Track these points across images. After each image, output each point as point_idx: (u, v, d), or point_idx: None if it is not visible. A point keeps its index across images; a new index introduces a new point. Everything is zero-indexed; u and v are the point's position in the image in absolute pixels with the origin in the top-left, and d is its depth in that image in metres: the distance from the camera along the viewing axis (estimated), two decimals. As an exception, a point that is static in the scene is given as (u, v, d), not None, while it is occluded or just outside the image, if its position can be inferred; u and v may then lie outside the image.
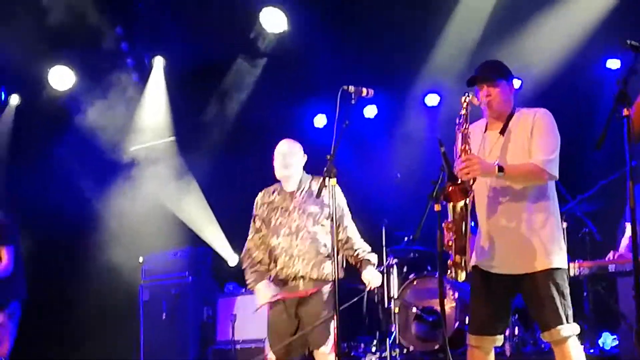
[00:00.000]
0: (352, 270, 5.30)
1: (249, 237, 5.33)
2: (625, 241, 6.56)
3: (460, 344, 6.82)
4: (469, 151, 4.17)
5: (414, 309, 7.47)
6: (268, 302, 5.13)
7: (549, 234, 4.23)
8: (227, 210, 9.13)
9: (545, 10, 8.04)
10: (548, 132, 4.23)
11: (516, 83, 6.57)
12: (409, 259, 8.13)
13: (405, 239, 8.10)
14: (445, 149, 4.12)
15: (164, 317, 8.56)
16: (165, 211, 9.61)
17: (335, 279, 4.52)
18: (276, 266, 5.14)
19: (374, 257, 5.22)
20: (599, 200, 7.07)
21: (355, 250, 5.18)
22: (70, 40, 8.70)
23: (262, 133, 8.62)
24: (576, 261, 6.50)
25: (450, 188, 4.12)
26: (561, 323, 4.11)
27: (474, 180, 4.15)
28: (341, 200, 5.13)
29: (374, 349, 7.86)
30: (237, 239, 5.55)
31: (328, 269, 5.04)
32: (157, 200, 9.50)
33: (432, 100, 9.37)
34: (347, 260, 5.28)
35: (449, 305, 7.32)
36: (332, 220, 4.97)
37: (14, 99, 10.03)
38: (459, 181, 4.10)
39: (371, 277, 5.13)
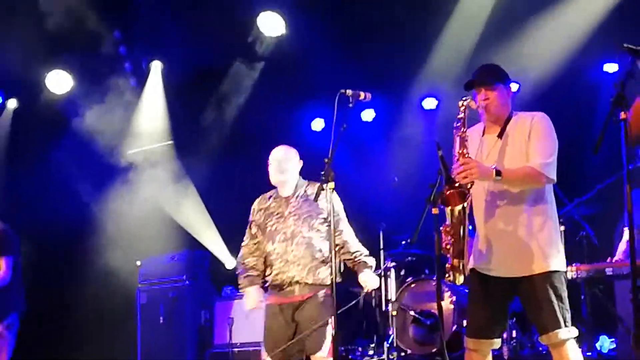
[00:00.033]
0: (350, 274, 5.30)
1: (244, 242, 5.35)
2: (622, 246, 6.57)
3: (457, 347, 6.81)
4: (466, 155, 4.17)
5: (412, 312, 7.48)
6: (257, 307, 5.16)
7: (546, 237, 4.23)
8: (225, 214, 9.13)
9: (542, 14, 8.06)
10: (546, 135, 4.24)
11: (514, 87, 6.58)
12: (407, 262, 8.13)
13: (403, 242, 8.10)
14: (442, 153, 4.13)
15: (161, 321, 8.54)
16: (163, 215, 9.61)
17: (333, 283, 4.53)
18: (272, 272, 5.15)
19: (371, 260, 5.22)
20: (597, 203, 7.09)
21: (352, 253, 5.18)
22: (68, 45, 8.70)
23: (259, 137, 8.63)
24: (574, 264, 6.51)
25: (448, 192, 4.12)
26: (559, 326, 4.12)
27: (472, 184, 4.15)
28: (337, 204, 5.12)
29: (371, 352, 7.86)
30: (234, 243, 5.55)
31: (323, 274, 5.05)
32: (154, 204, 9.50)
33: (429, 104, 9.40)
34: (345, 265, 5.29)
35: (447, 308, 7.33)
36: (330, 224, 5.01)
37: (12, 103, 10.03)
38: (457, 185, 4.10)
39: (368, 280, 5.13)
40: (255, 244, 5.28)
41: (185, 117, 9.77)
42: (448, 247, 4.18)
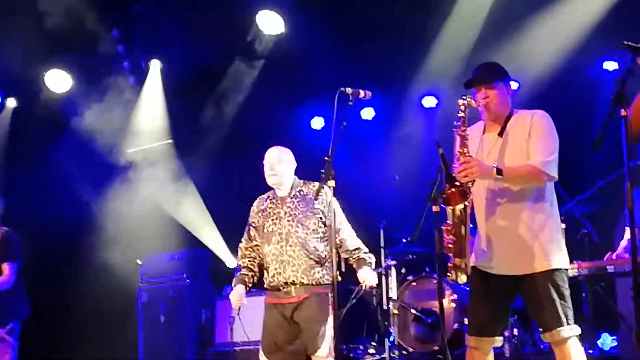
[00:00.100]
0: (350, 273, 5.30)
1: (241, 244, 5.38)
2: (624, 243, 6.56)
3: (459, 345, 6.83)
4: (467, 154, 4.17)
5: (413, 311, 7.48)
6: (236, 306, 5.23)
7: (548, 235, 4.24)
8: (225, 212, 9.13)
9: (541, 12, 8.05)
10: (546, 133, 4.24)
11: (513, 85, 6.58)
12: (408, 260, 8.13)
13: (404, 240, 8.10)
14: (443, 151, 4.12)
15: (162, 320, 8.55)
16: (163, 213, 9.61)
17: (333, 282, 4.53)
18: (269, 273, 5.16)
19: (370, 257, 5.22)
20: (597, 201, 7.09)
21: (351, 251, 5.18)
22: (67, 44, 8.69)
23: (259, 135, 8.63)
24: (575, 262, 6.51)
25: (449, 191, 4.12)
26: (561, 324, 4.12)
27: (473, 182, 4.15)
28: (334, 202, 5.11)
29: (372, 351, 7.86)
30: (234, 241, 5.55)
31: (320, 274, 5.05)
32: (154, 203, 9.50)
33: (429, 102, 9.39)
34: (346, 263, 5.29)
35: (448, 306, 7.33)
36: (326, 224, 5.03)
37: (11, 102, 10.02)
38: (458, 183, 4.10)
39: (366, 277, 5.12)
40: (252, 246, 5.31)
41: (184, 115, 9.77)
42: (450, 246, 4.18)
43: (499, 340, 4.36)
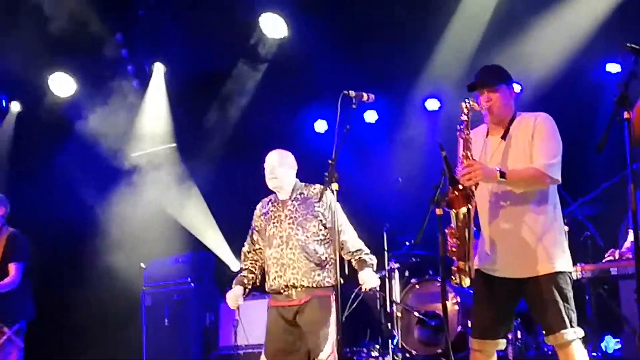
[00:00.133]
0: (353, 276, 5.30)
1: (243, 248, 5.41)
2: (627, 244, 6.57)
3: (462, 347, 6.82)
4: (470, 157, 4.17)
5: (416, 313, 7.48)
6: (232, 307, 5.29)
7: (551, 237, 4.23)
8: (229, 216, 9.14)
9: (544, 14, 8.05)
10: (549, 136, 4.24)
11: (516, 87, 6.58)
12: (411, 263, 8.13)
13: (407, 243, 8.11)
14: (446, 153, 4.13)
15: (166, 323, 8.56)
16: (167, 217, 9.62)
17: (337, 285, 4.53)
18: (270, 276, 5.17)
19: (371, 258, 5.20)
20: (600, 203, 7.08)
21: (353, 253, 5.17)
22: (71, 48, 8.71)
23: (262, 139, 8.63)
24: (578, 264, 6.51)
25: (453, 194, 4.13)
26: (565, 327, 4.12)
27: (476, 185, 4.15)
28: (335, 203, 5.10)
29: (376, 354, 7.85)
30: (238, 244, 5.55)
31: (320, 277, 5.05)
32: (158, 206, 9.51)
33: (432, 104, 9.39)
34: (348, 265, 5.29)
35: (451, 309, 7.32)
36: (326, 226, 5.06)
37: (15, 106, 10.04)
38: (461, 187, 4.10)
39: (366, 278, 5.12)
40: (254, 249, 5.33)
41: (188, 119, 9.78)
42: (453, 249, 4.18)
43: (502, 343, 4.35)
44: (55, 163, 9.41)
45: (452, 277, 4.22)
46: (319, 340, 4.94)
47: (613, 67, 8.20)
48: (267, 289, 5.22)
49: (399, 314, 7.53)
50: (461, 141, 4.22)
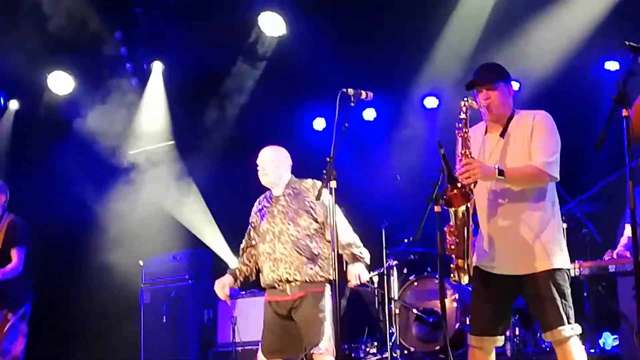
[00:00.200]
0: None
1: (241, 244, 5.45)
2: (624, 240, 6.58)
3: (461, 344, 6.85)
4: (469, 155, 4.18)
5: (415, 310, 7.49)
6: (222, 297, 5.28)
7: (549, 234, 4.25)
8: (227, 213, 9.15)
9: (543, 13, 8.06)
10: (548, 133, 4.25)
11: (514, 85, 6.58)
12: (409, 260, 8.15)
13: (405, 240, 8.12)
14: (444, 151, 4.14)
15: (164, 320, 8.56)
16: (166, 215, 9.63)
17: (335, 280, 4.55)
18: (264, 272, 5.20)
19: (362, 252, 5.18)
20: (599, 201, 7.10)
21: (344, 246, 5.13)
22: (69, 46, 8.71)
23: (261, 136, 8.59)
24: (576, 262, 6.52)
25: (451, 193, 4.13)
26: (563, 323, 4.13)
27: (475, 183, 4.16)
28: (327, 199, 5.10)
29: (374, 351, 7.87)
30: (236, 242, 5.57)
31: (312, 270, 5.05)
32: (157, 204, 9.52)
33: (430, 102, 9.40)
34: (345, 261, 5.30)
35: (450, 306, 7.33)
36: (323, 220, 5.08)
37: (14, 104, 10.04)
38: (459, 185, 4.11)
39: (353, 273, 5.12)
40: (251, 245, 5.37)
41: (186, 117, 9.79)
42: (452, 247, 4.19)
43: (500, 340, 4.36)
44: (53, 161, 9.42)
45: (451, 274, 4.23)
46: (315, 336, 4.96)
47: (611, 65, 8.21)
48: (262, 284, 5.25)
49: (397, 311, 7.54)
50: (460, 139, 4.23)
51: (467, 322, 6.95)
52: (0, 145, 10.01)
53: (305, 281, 5.04)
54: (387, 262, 7.80)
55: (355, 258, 5.14)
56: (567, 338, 4.14)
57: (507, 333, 6.50)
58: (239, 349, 7.75)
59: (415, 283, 7.71)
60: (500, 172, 4.10)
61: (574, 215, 7.08)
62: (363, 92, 4.68)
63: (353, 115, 4.65)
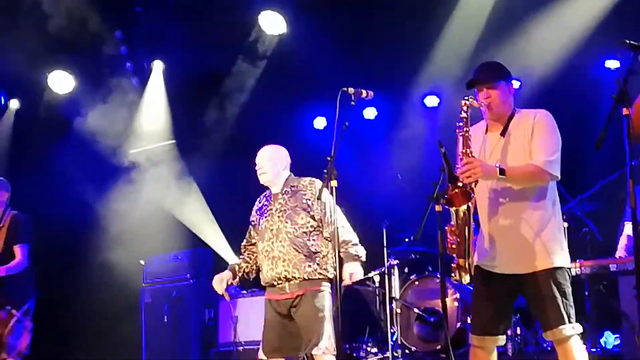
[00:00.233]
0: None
1: (243, 242, 5.47)
2: (623, 241, 6.57)
3: (462, 344, 6.84)
4: (470, 154, 4.17)
5: (416, 310, 7.48)
6: (220, 292, 5.30)
7: (550, 233, 4.24)
8: (228, 213, 9.15)
9: (543, 11, 8.05)
10: (549, 132, 4.25)
11: (515, 84, 6.57)
12: (410, 259, 8.15)
13: (406, 239, 8.12)
14: (445, 150, 4.13)
15: (165, 320, 8.56)
16: (166, 214, 9.63)
17: (337, 278, 4.55)
18: (263, 270, 5.21)
19: (356, 250, 5.12)
20: (600, 200, 7.10)
21: (340, 244, 5.07)
22: (70, 45, 8.71)
23: (262, 135, 8.57)
24: (577, 261, 6.52)
25: (452, 192, 4.13)
26: (563, 322, 4.13)
27: (476, 182, 4.15)
28: (325, 196, 5.08)
29: (375, 350, 7.87)
30: (237, 241, 5.58)
31: (310, 268, 5.06)
32: (157, 203, 9.52)
33: (431, 101, 9.39)
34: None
35: (451, 305, 7.33)
36: (321, 217, 5.09)
37: (14, 104, 10.05)
38: (460, 184, 4.11)
39: (346, 272, 5.07)
40: (252, 244, 5.38)
41: (187, 116, 9.79)
42: (453, 246, 4.19)
43: (502, 339, 4.36)
44: (54, 160, 9.42)
45: (452, 274, 4.23)
46: (315, 335, 4.96)
47: (612, 64, 8.20)
48: (262, 282, 5.26)
49: (399, 310, 7.54)
50: (461, 138, 4.22)
51: (468, 322, 6.96)
52: (0, 144, 10.01)
53: (304, 279, 5.04)
54: (388, 261, 7.79)
55: (351, 257, 5.12)
56: (567, 337, 4.14)
57: (509, 332, 6.49)
58: (240, 348, 7.77)
59: (416, 282, 7.71)
60: (501, 171, 4.10)
61: (575, 214, 7.08)
62: (364, 91, 4.68)
63: (353, 114, 4.65)
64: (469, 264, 4.18)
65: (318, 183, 5.12)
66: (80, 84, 9.43)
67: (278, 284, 5.10)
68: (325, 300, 5.04)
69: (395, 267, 7.87)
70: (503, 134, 4.33)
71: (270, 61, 9.28)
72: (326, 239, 5.12)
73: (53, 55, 9.04)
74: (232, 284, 5.36)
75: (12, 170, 9.60)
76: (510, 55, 7.77)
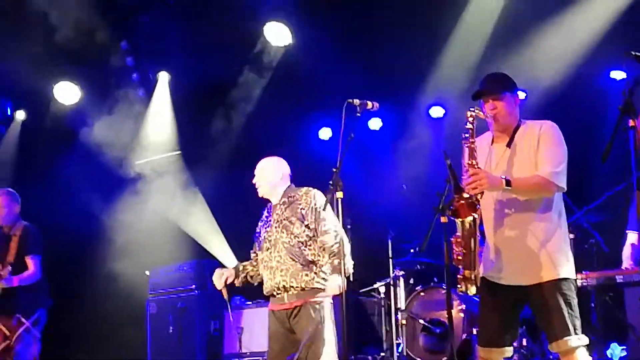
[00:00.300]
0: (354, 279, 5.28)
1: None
2: (627, 250, 6.54)
3: (467, 355, 6.83)
4: (475, 165, 4.17)
5: (421, 321, 7.47)
6: (219, 287, 5.29)
7: (556, 245, 4.23)
8: (233, 223, 9.15)
9: (549, 22, 8.06)
10: (555, 144, 4.24)
11: (520, 95, 6.56)
12: (416, 270, 8.13)
13: (412, 250, 8.10)
14: (450, 161, 4.13)
15: (170, 331, 8.55)
16: (172, 225, 9.63)
17: (342, 289, 4.55)
18: (263, 280, 5.23)
19: (338, 263, 4.95)
20: (606, 211, 7.07)
21: (329, 255, 5.10)
22: (76, 56, 8.74)
23: (267, 146, 8.61)
24: (583, 272, 6.50)
25: (458, 203, 4.13)
26: (569, 334, 4.11)
27: (482, 194, 4.15)
28: (319, 204, 5.09)
29: (381, 361, 7.85)
30: (243, 252, 5.59)
31: (308, 277, 5.05)
32: (163, 214, 9.52)
33: (436, 112, 9.39)
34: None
35: (456, 316, 7.31)
36: (316, 227, 5.07)
37: (20, 114, 10.07)
38: (466, 195, 4.10)
39: (331, 285, 5.01)
40: (256, 254, 5.41)
41: (193, 127, 9.80)
42: (459, 258, 4.18)
43: (509, 351, 4.35)
44: (60, 171, 9.42)
45: (458, 285, 4.22)
46: (316, 347, 4.95)
47: (617, 74, 8.20)
48: (264, 293, 5.28)
49: (404, 322, 7.52)
50: (466, 150, 4.22)
51: (474, 333, 6.94)
52: (7, 155, 10.02)
53: (302, 288, 5.04)
54: (393, 272, 7.79)
55: (336, 269, 5.02)
56: (573, 348, 4.12)
57: (515, 344, 6.47)
58: (245, 359, 7.75)
59: (422, 293, 7.69)
60: (507, 183, 4.09)
61: (581, 225, 7.06)
62: (369, 103, 4.69)
63: (359, 125, 4.65)
64: (475, 276, 4.17)
65: (314, 192, 5.14)
66: (86, 95, 9.45)
67: (277, 294, 5.13)
68: (325, 311, 5.03)
69: (401, 278, 7.86)
70: (509, 145, 4.33)
71: (275, 72, 9.30)
72: (320, 247, 5.12)
73: (59, 66, 9.06)
74: (232, 282, 5.36)
75: (19, 181, 9.62)
76: (516, 65, 7.77)
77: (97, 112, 9.28)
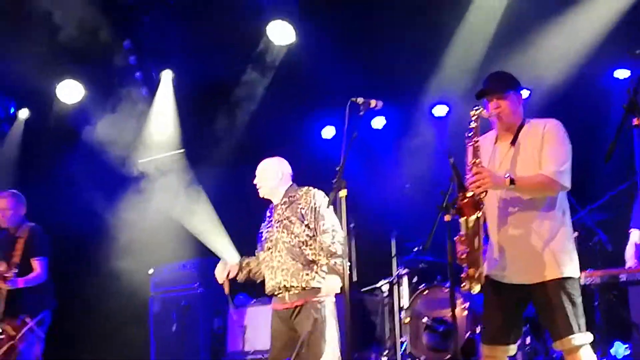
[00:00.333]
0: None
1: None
2: (630, 249, 6.53)
3: (471, 353, 6.83)
4: (479, 164, 4.17)
5: (425, 319, 7.46)
6: (220, 279, 5.32)
7: (559, 243, 4.23)
8: (237, 221, 9.14)
9: (552, 21, 8.05)
10: (559, 142, 4.24)
11: (524, 93, 6.56)
12: (419, 269, 8.12)
13: (415, 249, 8.10)
14: (454, 160, 4.13)
15: (174, 329, 8.56)
16: (175, 223, 9.62)
17: (344, 288, 4.55)
18: (265, 280, 5.26)
19: (334, 263, 5.06)
20: (610, 209, 7.07)
21: (326, 256, 5.13)
22: (79, 55, 8.75)
23: (270, 145, 8.64)
24: (587, 270, 6.49)
25: (462, 202, 4.13)
26: (573, 332, 4.12)
27: (485, 192, 4.15)
28: (320, 204, 5.11)
29: (384, 360, 7.86)
30: (246, 250, 5.60)
31: (309, 276, 5.08)
32: (166, 213, 9.52)
33: (440, 111, 9.38)
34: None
35: (460, 315, 7.31)
36: (316, 227, 5.10)
37: (23, 113, 10.08)
38: (470, 194, 4.10)
39: (327, 286, 5.08)
40: (257, 254, 5.45)
41: (196, 125, 9.80)
42: (463, 257, 4.18)
43: (513, 349, 4.36)
44: (63, 170, 9.44)
45: (462, 284, 4.22)
46: (318, 346, 4.97)
47: (621, 73, 8.19)
48: (266, 292, 5.30)
49: (408, 320, 7.52)
50: (470, 149, 4.22)
51: (478, 332, 6.94)
52: (10, 154, 10.04)
53: (303, 287, 5.06)
54: (397, 270, 7.78)
55: (333, 270, 5.09)
56: (577, 347, 4.13)
57: (518, 342, 6.47)
58: (249, 357, 7.75)
59: (426, 292, 7.68)
60: (511, 181, 4.10)
61: (585, 223, 7.05)
62: (372, 101, 4.68)
63: (362, 124, 4.65)
64: (479, 274, 4.17)
65: (313, 192, 5.16)
66: (89, 94, 9.46)
67: (278, 293, 5.16)
68: (327, 310, 5.04)
69: (405, 277, 7.86)
70: (513, 143, 4.33)
71: (278, 71, 9.29)
72: (320, 247, 5.12)
73: (62, 65, 9.07)
74: (235, 277, 5.37)
75: (22, 180, 9.65)
76: (519, 65, 7.75)
77: (100, 110, 9.28)
